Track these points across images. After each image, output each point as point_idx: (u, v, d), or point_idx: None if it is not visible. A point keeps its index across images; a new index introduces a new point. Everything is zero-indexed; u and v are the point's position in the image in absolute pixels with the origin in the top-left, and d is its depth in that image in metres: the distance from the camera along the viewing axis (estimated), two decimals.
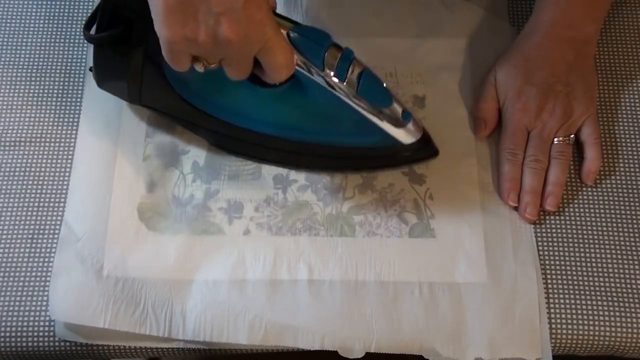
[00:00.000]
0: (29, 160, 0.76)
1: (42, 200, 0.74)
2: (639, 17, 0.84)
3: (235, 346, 0.69)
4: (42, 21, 0.82)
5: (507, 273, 0.71)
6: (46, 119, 0.78)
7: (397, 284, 0.70)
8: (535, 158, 0.74)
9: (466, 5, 0.84)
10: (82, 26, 0.73)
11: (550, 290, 0.71)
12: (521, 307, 0.69)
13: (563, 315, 0.69)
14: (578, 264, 0.72)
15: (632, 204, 0.74)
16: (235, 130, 0.73)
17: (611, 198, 0.75)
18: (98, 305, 0.68)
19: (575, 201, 0.75)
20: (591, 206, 0.74)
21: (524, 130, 0.75)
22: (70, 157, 0.76)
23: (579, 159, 0.76)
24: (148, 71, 0.70)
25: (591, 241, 0.73)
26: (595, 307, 0.70)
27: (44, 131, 0.77)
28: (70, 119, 0.78)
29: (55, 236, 0.72)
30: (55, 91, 0.79)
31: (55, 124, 0.77)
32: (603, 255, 0.72)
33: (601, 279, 0.71)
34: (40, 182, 0.75)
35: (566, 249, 0.72)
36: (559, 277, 0.71)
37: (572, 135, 0.76)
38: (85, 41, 0.80)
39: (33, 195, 0.74)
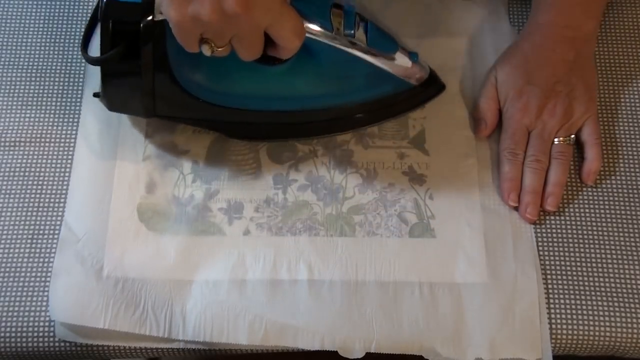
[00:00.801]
0: (29, 161, 0.76)
1: (42, 200, 0.74)
2: (638, 17, 0.84)
3: (235, 346, 0.69)
4: (42, 21, 0.82)
5: (507, 273, 0.71)
6: (46, 119, 0.78)
7: (397, 284, 0.70)
8: (536, 158, 0.74)
9: (466, 5, 0.84)
10: (80, 44, 0.73)
11: (551, 291, 0.71)
12: (521, 307, 0.69)
13: (563, 316, 0.69)
14: (578, 264, 0.72)
15: (632, 204, 0.74)
16: (252, 115, 0.74)
17: (611, 198, 0.75)
18: (98, 305, 0.68)
19: (576, 201, 0.75)
20: (591, 206, 0.74)
21: (524, 130, 0.75)
22: (70, 157, 0.76)
23: (580, 159, 0.76)
24: (159, 79, 0.69)
25: (591, 241, 0.73)
26: (595, 307, 0.70)
27: (44, 131, 0.77)
28: (70, 119, 0.78)
29: (55, 236, 0.72)
30: (55, 91, 0.79)
31: (55, 124, 0.77)
32: (603, 255, 0.72)
33: (601, 279, 0.71)
34: (40, 183, 0.75)
35: (566, 249, 0.72)
36: (559, 277, 0.71)
37: (573, 136, 0.76)
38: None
39: (33, 196, 0.74)
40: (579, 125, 0.76)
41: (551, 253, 0.72)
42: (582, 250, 0.72)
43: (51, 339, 0.69)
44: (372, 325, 0.68)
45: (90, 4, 0.83)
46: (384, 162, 0.76)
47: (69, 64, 0.80)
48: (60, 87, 0.79)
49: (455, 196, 0.74)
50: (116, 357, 0.71)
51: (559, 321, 0.69)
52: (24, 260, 0.71)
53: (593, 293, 0.70)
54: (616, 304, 0.70)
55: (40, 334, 0.69)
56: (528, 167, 0.74)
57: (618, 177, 0.76)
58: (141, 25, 0.65)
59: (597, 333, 0.69)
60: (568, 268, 0.72)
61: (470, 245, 0.72)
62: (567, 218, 0.74)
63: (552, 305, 0.70)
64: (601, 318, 0.69)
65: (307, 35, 0.66)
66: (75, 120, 0.77)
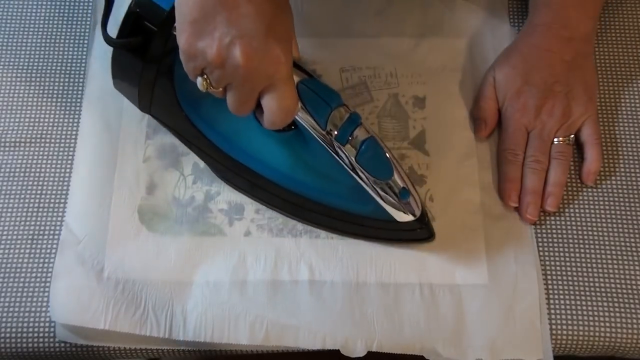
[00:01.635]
0: (29, 161, 0.76)
1: (42, 201, 0.74)
2: (638, 17, 0.84)
3: (235, 347, 0.69)
4: (42, 21, 0.82)
5: (508, 274, 0.71)
6: (46, 119, 0.78)
7: (398, 285, 0.70)
8: (536, 158, 0.74)
9: (466, 5, 0.83)
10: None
11: (551, 291, 0.71)
12: (522, 308, 0.69)
13: (563, 316, 0.70)
14: (578, 264, 0.72)
15: (632, 204, 0.74)
16: (233, 163, 0.72)
17: (611, 198, 0.75)
18: (99, 306, 0.68)
19: (576, 201, 0.75)
20: (591, 206, 0.74)
21: (523, 131, 0.75)
22: (70, 158, 0.76)
23: (580, 160, 0.76)
24: (160, 85, 0.69)
25: (591, 241, 0.73)
26: (595, 307, 0.70)
27: (44, 132, 0.77)
28: (70, 120, 0.77)
29: (56, 237, 0.72)
30: (55, 91, 0.79)
31: (55, 124, 0.77)
32: (603, 256, 0.72)
33: (601, 279, 0.71)
34: (40, 183, 0.75)
35: (566, 249, 0.73)
36: (559, 277, 0.71)
37: (572, 136, 0.76)
38: (86, 41, 0.80)
39: (33, 197, 0.74)
40: (578, 125, 0.76)
41: (551, 253, 0.72)
42: (582, 250, 0.72)
43: (51, 340, 0.69)
44: (374, 325, 0.68)
45: (91, 4, 0.83)
46: None
47: (69, 64, 0.80)
48: (60, 87, 0.79)
49: (455, 197, 0.74)
50: (116, 358, 0.71)
51: (559, 321, 0.69)
52: (25, 261, 0.71)
53: (593, 293, 0.71)
54: (616, 304, 0.70)
55: (41, 335, 0.69)
56: (528, 168, 0.74)
57: (618, 177, 0.76)
58: (157, 30, 0.64)
59: (597, 333, 0.69)
60: (568, 268, 0.72)
61: (471, 247, 0.72)
62: (567, 218, 0.74)
63: (552, 306, 0.70)
64: (601, 318, 0.69)
65: (298, 120, 0.65)
66: (76, 120, 0.77)
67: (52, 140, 0.77)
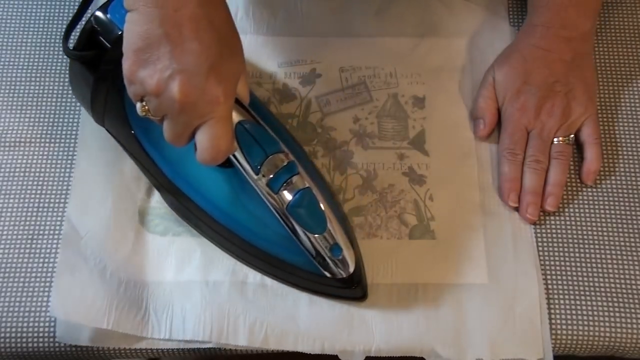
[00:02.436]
0: (29, 161, 0.75)
1: (42, 200, 0.74)
2: (638, 16, 0.84)
3: (235, 347, 0.69)
4: (42, 21, 0.82)
5: (508, 274, 0.71)
6: (46, 119, 0.78)
7: (397, 285, 0.70)
8: (535, 158, 0.74)
9: (466, 5, 0.83)
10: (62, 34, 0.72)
11: (551, 291, 0.71)
12: (522, 308, 0.69)
13: (563, 316, 0.70)
14: (578, 264, 0.72)
15: (632, 204, 0.74)
16: (174, 188, 0.71)
17: (611, 198, 0.75)
18: (102, 306, 0.68)
19: (576, 201, 0.75)
20: (591, 206, 0.74)
21: (523, 130, 0.75)
22: (70, 157, 0.76)
23: (579, 159, 0.76)
24: (110, 101, 0.69)
25: (591, 241, 0.73)
26: (595, 307, 0.70)
27: (44, 131, 0.77)
28: (70, 119, 0.77)
29: (56, 237, 0.72)
30: (55, 91, 0.79)
31: (55, 124, 0.77)
32: (603, 256, 0.72)
33: (601, 279, 0.71)
34: (40, 183, 0.75)
35: (566, 249, 0.73)
36: (559, 277, 0.71)
37: (572, 135, 0.76)
38: None
39: (33, 196, 0.74)
40: (578, 125, 0.76)
41: (551, 253, 0.72)
42: (582, 250, 0.72)
43: (51, 340, 0.69)
44: (372, 329, 0.68)
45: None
46: (384, 163, 0.76)
47: (69, 64, 0.80)
48: (60, 87, 0.79)
49: (455, 197, 0.74)
50: (116, 358, 0.71)
51: (559, 321, 0.69)
52: (25, 261, 0.71)
53: (593, 293, 0.71)
54: (616, 304, 0.70)
55: (41, 335, 0.69)
56: (528, 168, 0.74)
57: (618, 177, 0.76)
58: (110, 48, 0.64)
59: (597, 333, 0.69)
60: (568, 268, 0.72)
61: (470, 247, 0.72)
62: (567, 218, 0.74)
63: (552, 306, 0.70)
64: (601, 318, 0.69)
65: (233, 160, 0.64)
66: (75, 120, 0.77)
67: (52, 140, 0.76)
